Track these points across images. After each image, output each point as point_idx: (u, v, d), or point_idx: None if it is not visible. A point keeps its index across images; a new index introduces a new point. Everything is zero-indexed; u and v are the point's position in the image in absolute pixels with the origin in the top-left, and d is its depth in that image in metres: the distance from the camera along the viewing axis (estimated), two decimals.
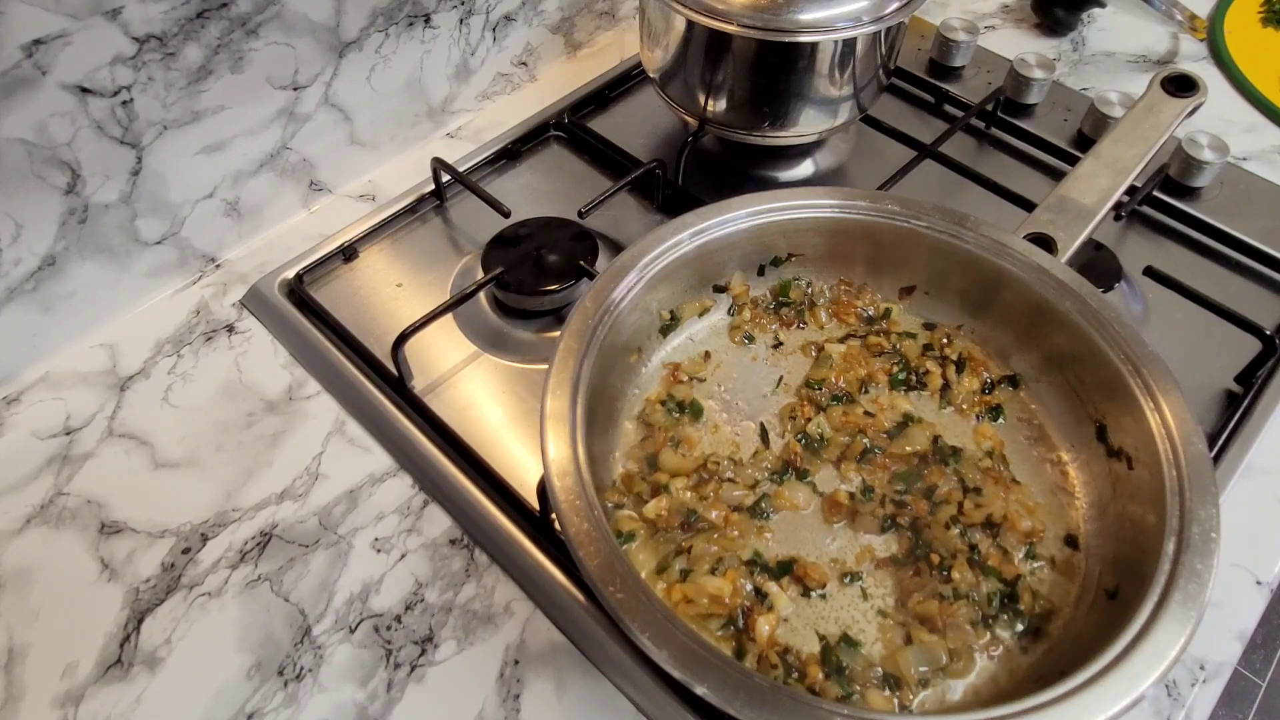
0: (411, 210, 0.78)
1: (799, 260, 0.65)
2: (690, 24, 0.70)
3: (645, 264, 0.59)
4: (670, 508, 0.54)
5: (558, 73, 0.93)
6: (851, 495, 0.55)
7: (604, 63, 0.93)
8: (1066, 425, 0.58)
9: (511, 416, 0.64)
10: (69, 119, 0.60)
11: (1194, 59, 0.97)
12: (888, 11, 0.69)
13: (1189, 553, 0.45)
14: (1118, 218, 0.78)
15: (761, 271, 0.66)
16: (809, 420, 0.59)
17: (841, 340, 0.64)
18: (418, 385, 0.66)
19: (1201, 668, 0.54)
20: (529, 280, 0.69)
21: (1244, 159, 0.84)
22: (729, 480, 0.56)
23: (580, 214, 0.72)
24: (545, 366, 0.53)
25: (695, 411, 0.60)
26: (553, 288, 0.69)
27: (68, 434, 0.63)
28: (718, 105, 0.76)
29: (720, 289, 0.65)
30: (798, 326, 0.65)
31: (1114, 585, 0.49)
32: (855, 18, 0.68)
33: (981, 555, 0.52)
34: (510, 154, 0.84)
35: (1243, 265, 0.75)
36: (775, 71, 0.71)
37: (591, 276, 0.69)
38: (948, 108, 0.89)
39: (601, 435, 0.56)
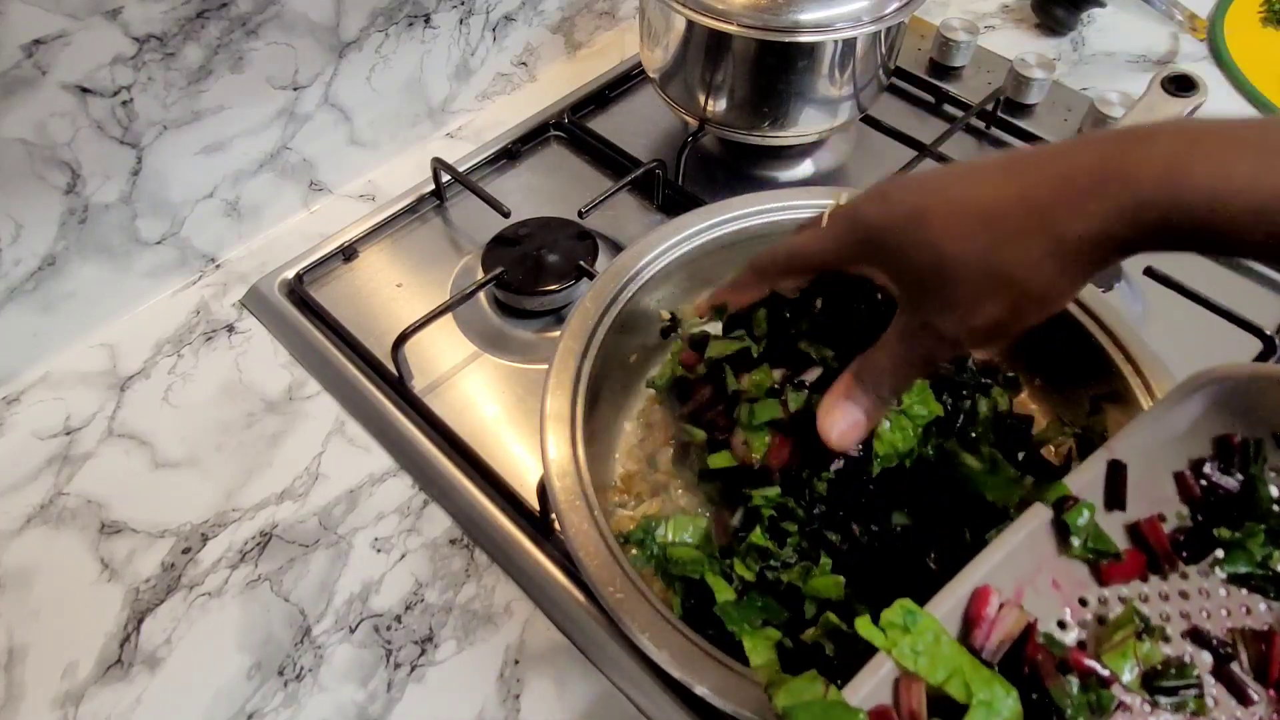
0: (411, 210, 0.78)
1: None
2: (690, 24, 0.70)
3: (645, 264, 0.59)
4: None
5: (558, 73, 0.93)
6: None
7: (604, 63, 0.93)
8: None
9: (511, 416, 0.64)
10: (69, 119, 0.60)
11: (1194, 59, 0.97)
12: (888, 11, 0.69)
13: None
14: None
15: None
16: None
17: None
18: (418, 385, 0.66)
19: None
20: (529, 280, 0.69)
21: None
22: None
23: (580, 214, 0.72)
24: (545, 366, 0.53)
25: None
26: (553, 288, 0.69)
27: (68, 434, 0.63)
28: (718, 105, 0.76)
29: None
30: None
31: None
32: (855, 18, 0.68)
33: None
34: (510, 154, 0.83)
35: (1243, 265, 0.75)
36: (775, 71, 0.71)
37: (591, 276, 0.69)
38: (948, 108, 0.89)
39: (601, 435, 0.56)
